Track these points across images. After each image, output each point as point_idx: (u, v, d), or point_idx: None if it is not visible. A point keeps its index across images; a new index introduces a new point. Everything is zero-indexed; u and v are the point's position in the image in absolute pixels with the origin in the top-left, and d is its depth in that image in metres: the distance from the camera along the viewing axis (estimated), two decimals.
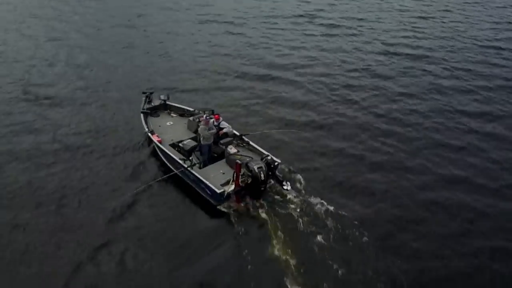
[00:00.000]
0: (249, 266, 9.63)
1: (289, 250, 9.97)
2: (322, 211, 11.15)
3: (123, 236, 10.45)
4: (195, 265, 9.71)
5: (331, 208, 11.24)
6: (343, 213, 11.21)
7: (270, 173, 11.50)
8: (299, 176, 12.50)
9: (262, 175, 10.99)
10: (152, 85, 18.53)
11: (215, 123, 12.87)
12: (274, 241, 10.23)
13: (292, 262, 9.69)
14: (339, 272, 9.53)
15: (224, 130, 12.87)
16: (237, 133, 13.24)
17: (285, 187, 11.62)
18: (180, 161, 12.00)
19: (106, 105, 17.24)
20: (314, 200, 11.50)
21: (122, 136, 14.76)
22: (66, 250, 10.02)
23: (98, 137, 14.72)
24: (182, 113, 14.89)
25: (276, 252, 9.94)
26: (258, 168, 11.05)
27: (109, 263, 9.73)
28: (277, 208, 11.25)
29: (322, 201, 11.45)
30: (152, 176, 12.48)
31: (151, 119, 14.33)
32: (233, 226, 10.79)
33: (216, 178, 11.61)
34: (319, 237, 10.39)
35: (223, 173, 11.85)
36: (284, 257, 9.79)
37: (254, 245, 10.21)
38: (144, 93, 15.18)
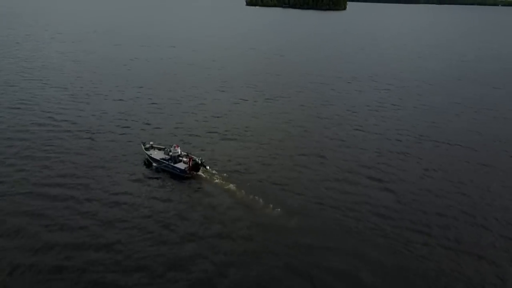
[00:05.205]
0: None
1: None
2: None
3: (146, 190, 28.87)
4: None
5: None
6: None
7: (200, 162, 30.82)
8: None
9: (198, 161, 30.54)
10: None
11: (176, 148, 32.31)
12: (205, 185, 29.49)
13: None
14: None
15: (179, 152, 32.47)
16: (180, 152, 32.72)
17: (206, 167, 30.85)
18: (166, 162, 31.26)
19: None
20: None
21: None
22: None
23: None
24: (160, 148, 34.18)
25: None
26: (198, 158, 30.76)
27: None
28: (205, 174, 30.67)
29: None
30: (152, 168, 31.76)
31: (148, 152, 33.51)
32: (189, 182, 29.83)
33: (181, 166, 30.81)
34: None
35: (183, 164, 31.11)
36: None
37: (193, 186, 29.37)
38: (142, 143, 34.65)
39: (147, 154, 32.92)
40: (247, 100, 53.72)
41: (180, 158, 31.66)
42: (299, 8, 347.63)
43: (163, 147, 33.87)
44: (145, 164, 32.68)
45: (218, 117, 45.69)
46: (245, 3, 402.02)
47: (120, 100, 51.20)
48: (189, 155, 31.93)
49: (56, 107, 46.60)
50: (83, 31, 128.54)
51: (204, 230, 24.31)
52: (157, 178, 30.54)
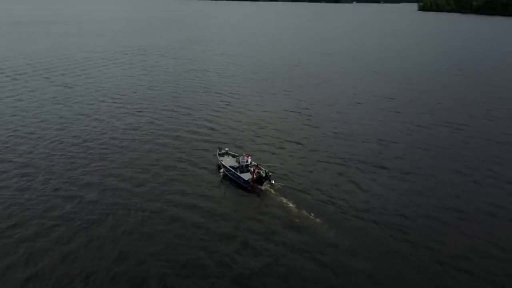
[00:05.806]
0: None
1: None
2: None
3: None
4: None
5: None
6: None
7: (265, 174, 28.75)
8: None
9: (263, 174, 28.44)
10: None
11: (246, 158, 30.59)
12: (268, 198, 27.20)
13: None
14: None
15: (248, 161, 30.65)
16: (252, 162, 30.81)
17: (272, 181, 28.65)
18: (233, 170, 30.04)
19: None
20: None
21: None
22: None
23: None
24: (233, 156, 32.93)
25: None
26: (263, 171, 28.64)
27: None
28: (269, 188, 28.26)
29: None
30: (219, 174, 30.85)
31: (221, 157, 32.60)
32: (253, 194, 27.86)
33: (245, 177, 29.16)
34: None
35: (248, 175, 29.36)
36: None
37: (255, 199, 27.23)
38: (219, 148, 33.93)
39: (218, 160, 32.50)
40: (403, 123, 45.52)
41: (249, 168, 30.22)
42: (484, 14, 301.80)
43: (237, 154, 32.87)
44: (218, 168, 32.17)
45: (350, 137, 40.45)
46: (417, 8, 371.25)
47: (262, 106, 51.27)
48: (258, 166, 30.42)
49: (205, 113, 47.64)
50: (245, 32, 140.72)
51: (254, 250, 22.75)
52: (223, 186, 29.80)
